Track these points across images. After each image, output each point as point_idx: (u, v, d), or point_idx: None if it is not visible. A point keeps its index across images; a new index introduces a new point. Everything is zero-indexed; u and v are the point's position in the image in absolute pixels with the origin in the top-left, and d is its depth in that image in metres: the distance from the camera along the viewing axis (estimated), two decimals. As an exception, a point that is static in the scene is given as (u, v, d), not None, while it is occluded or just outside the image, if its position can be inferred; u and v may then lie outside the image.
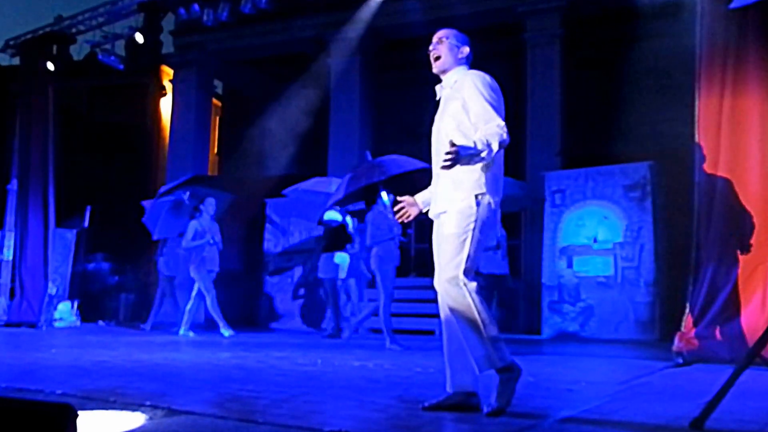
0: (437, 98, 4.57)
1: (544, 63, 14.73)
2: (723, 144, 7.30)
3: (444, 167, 4.13)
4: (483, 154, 4.15)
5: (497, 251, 11.43)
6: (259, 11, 14.42)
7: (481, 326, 4.12)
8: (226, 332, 11.38)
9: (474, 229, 4.22)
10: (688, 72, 7.91)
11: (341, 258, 11.67)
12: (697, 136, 7.46)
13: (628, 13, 12.70)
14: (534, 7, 14.94)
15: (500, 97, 4.36)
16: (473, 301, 4.14)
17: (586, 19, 14.94)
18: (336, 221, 11.64)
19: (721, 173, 7.29)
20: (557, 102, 14.53)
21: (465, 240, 4.20)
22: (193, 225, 11.45)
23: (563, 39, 14.93)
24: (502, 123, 4.21)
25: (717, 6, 7.48)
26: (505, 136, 4.18)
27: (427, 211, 4.62)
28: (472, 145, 4.14)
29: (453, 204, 4.27)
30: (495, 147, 4.15)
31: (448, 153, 4.07)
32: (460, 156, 4.08)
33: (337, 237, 11.68)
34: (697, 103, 7.51)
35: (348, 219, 11.62)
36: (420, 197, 4.66)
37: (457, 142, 4.16)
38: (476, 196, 4.23)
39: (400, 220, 4.69)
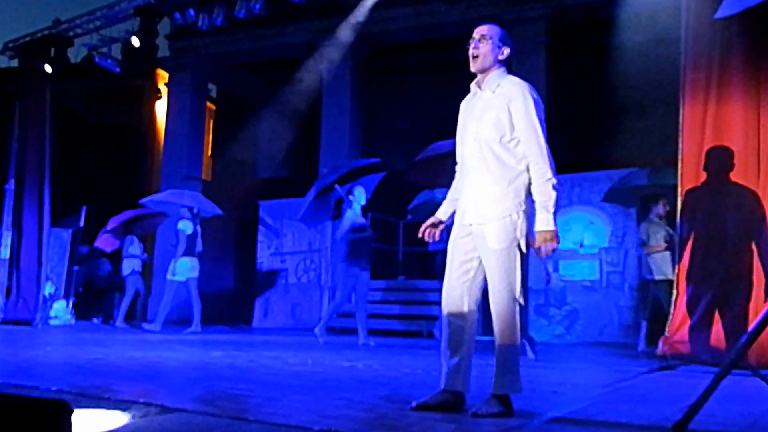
0: (473, 94, 4.52)
1: (529, 70, 14.72)
2: (706, 151, 7.38)
3: (549, 252, 4.21)
4: (552, 202, 4.19)
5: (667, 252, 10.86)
6: (253, 16, 14.45)
7: (518, 351, 4.22)
8: (370, 342, 10.43)
9: (519, 242, 4.22)
10: (673, 80, 7.96)
11: (194, 262, 12.89)
12: (681, 143, 7.54)
13: (613, 21, 12.78)
14: (520, 16, 15.01)
15: (544, 113, 4.39)
16: (518, 323, 4.19)
17: (571, 28, 15.02)
18: (191, 229, 12.85)
19: (704, 180, 7.38)
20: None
21: (515, 256, 4.20)
22: (350, 215, 10.74)
23: (549, 47, 15.02)
24: (548, 149, 4.30)
25: (702, 15, 7.54)
26: (553, 178, 4.23)
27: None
28: (520, 167, 4.25)
29: (491, 218, 4.25)
30: (553, 182, 4.20)
31: (549, 243, 4.18)
32: (555, 230, 4.19)
33: (191, 243, 12.80)
34: (681, 110, 7.57)
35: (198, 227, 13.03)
36: (441, 213, 4.64)
37: (500, 154, 4.25)
38: (517, 210, 4.22)
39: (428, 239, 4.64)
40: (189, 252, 12.81)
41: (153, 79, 20.15)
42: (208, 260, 17.55)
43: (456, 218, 4.49)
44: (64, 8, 18.15)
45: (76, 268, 15.88)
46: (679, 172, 7.57)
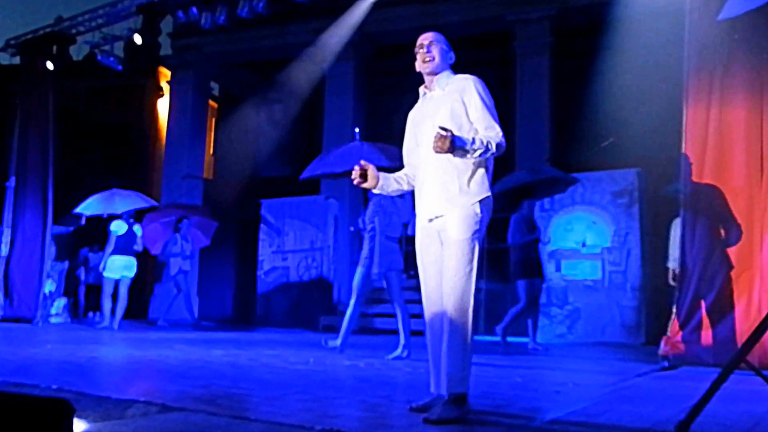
0: (422, 98, 4.56)
1: (533, 71, 14.84)
2: (709, 154, 7.37)
3: (436, 151, 4.10)
4: (477, 153, 4.16)
5: None
6: (256, 15, 14.50)
7: (469, 347, 4.11)
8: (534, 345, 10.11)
9: (480, 234, 4.21)
10: (676, 82, 7.95)
11: (130, 261, 13.02)
12: (684, 145, 7.53)
13: (616, 23, 12.79)
14: (524, 17, 15.06)
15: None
16: (470, 318, 4.12)
17: (574, 29, 15.03)
18: (124, 230, 13.03)
19: (706, 182, 7.37)
20: (546, 109, 14.64)
21: (474, 248, 4.18)
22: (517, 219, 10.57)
23: (552, 48, 15.03)
24: (501, 132, 4.26)
25: (705, 17, 7.54)
26: (502, 142, 4.24)
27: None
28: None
29: (456, 208, 4.22)
30: (492, 149, 4.18)
31: (442, 135, 4.04)
32: (454, 144, 4.07)
33: (126, 242, 12.95)
34: (684, 113, 7.56)
35: (136, 228, 13.26)
36: (382, 178, 4.60)
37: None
38: (480, 201, 4.24)
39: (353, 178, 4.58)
40: (123, 251, 12.98)
41: (155, 78, 20.16)
42: (210, 258, 17.60)
43: (418, 219, 4.48)
44: (67, 6, 18.12)
45: (67, 263, 15.91)
46: (682, 173, 7.57)
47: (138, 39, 15.64)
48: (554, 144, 14.60)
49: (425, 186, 4.43)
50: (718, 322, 7.15)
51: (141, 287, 16.68)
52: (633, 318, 12.00)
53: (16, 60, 16.09)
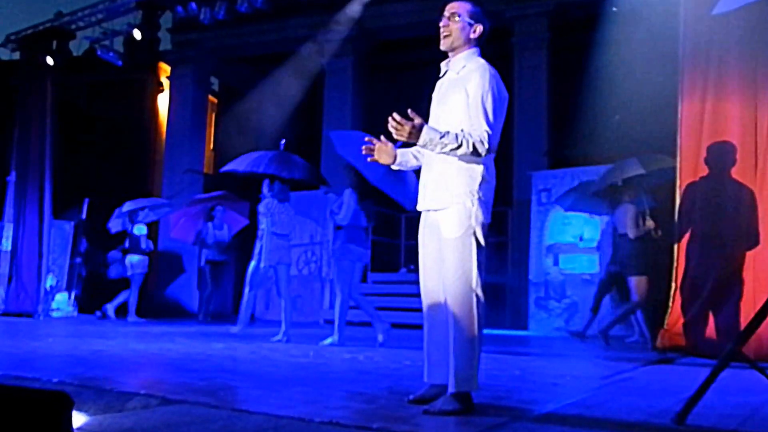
0: (441, 75, 4.35)
1: (531, 66, 14.85)
2: (704, 147, 7.41)
3: (397, 136, 4.03)
4: (448, 147, 3.98)
5: None
6: (255, 10, 14.52)
7: (477, 345, 4.01)
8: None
9: (475, 231, 4.05)
10: (672, 76, 7.99)
11: (135, 258, 13.83)
12: (679, 139, 7.57)
13: (612, 17, 12.80)
14: (522, 12, 15.06)
15: (503, 103, 4.14)
16: (478, 317, 4.00)
17: (572, 24, 15.03)
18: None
19: (702, 175, 7.40)
20: (544, 104, 14.67)
21: (471, 245, 4.03)
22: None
23: (550, 43, 15.05)
24: (489, 131, 4.00)
25: (700, 11, 7.57)
26: (485, 141, 3.97)
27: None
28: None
29: (444, 204, 4.11)
30: (467, 147, 3.96)
31: (395, 125, 3.97)
32: (414, 128, 3.96)
33: (132, 242, 13.86)
34: (680, 106, 7.61)
35: (136, 228, 13.91)
36: (400, 154, 4.49)
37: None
38: (470, 197, 4.04)
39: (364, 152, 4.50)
40: (133, 250, 13.76)
41: (155, 73, 20.13)
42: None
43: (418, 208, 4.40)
44: (67, 1, 18.15)
45: (78, 260, 15.92)
46: (678, 166, 7.60)
47: (138, 34, 15.65)
48: (552, 138, 14.62)
49: (421, 175, 4.37)
50: (715, 315, 7.20)
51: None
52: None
53: (17, 55, 16.13)
